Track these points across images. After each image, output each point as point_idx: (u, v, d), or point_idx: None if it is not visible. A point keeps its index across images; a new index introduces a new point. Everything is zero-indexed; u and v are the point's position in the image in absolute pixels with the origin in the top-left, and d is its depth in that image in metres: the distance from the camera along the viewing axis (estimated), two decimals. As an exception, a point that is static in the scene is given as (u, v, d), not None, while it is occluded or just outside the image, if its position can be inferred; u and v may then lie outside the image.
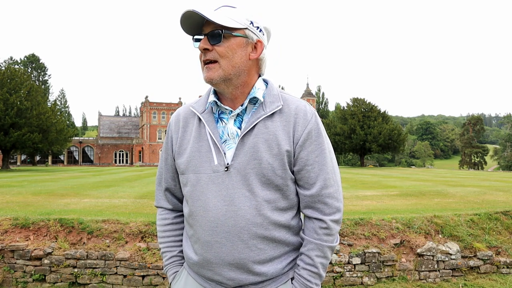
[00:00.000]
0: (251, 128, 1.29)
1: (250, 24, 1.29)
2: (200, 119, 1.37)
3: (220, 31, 1.26)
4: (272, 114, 1.30)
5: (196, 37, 1.31)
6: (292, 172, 1.32)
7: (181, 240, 1.48)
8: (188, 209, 1.35)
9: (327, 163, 1.33)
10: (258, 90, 1.34)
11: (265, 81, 1.40)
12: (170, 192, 1.50)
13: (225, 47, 1.27)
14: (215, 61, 1.28)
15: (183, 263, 1.47)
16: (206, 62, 1.29)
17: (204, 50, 1.28)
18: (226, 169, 1.28)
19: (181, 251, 1.48)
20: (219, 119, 1.35)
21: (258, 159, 1.27)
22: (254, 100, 1.33)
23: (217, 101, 1.34)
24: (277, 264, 1.31)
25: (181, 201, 1.50)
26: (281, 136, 1.29)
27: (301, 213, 1.42)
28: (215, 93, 1.37)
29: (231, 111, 1.33)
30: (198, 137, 1.34)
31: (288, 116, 1.31)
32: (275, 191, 1.29)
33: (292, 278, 1.34)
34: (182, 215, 1.50)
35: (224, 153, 1.30)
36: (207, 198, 1.29)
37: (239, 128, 1.32)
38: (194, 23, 1.28)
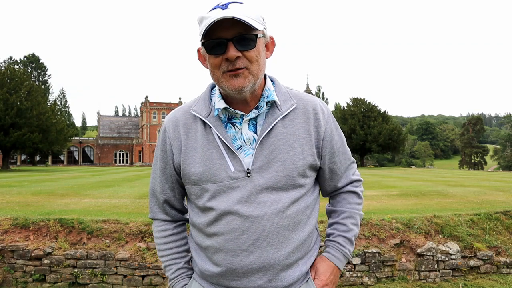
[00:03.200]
0: (269, 131, 1.23)
1: (263, 21, 1.20)
2: (204, 124, 1.27)
3: (254, 35, 1.15)
4: (288, 113, 1.27)
5: (217, 41, 1.14)
6: (313, 168, 1.31)
7: (185, 251, 1.40)
8: (206, 219, 1.26)
9: (347, 148, 1.43)
10: (272, 91, 1.27)
11: (271, 79, 1.34)
12: (169, 204, 1.39)
13: (255, 51, 1.17)
14: (243, 68, 1.17)
15: (190, 275, 1.37)
16: (233, 70, 1.16)
17: (236, 59, 1.14)
18: (248, 175, 1.21)
19: (187, 262, 1.39)
20: (229, 124, 1.26)
21: (281, 161, 1.23)
22: (267, 102, 1.26)
23: (228, 107, 1.24)
24: (302, 266, 1.29)
25: (179, 211, 1.42)
26: (302, 134, 1.26)
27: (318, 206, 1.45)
28: (222, 96, 1.27)
29: (242, 115, 1.25)
30: (207, 144, 1.25)
31: (306, 113, 1.29)
32: (299, 191, 1.26)
33: (323, 248, 1.38)
34: (183, 225, 1.43)
35: (242, 159, 1.23)
36: (229, 206, 1.22)
37: (255, 132, 1.25)
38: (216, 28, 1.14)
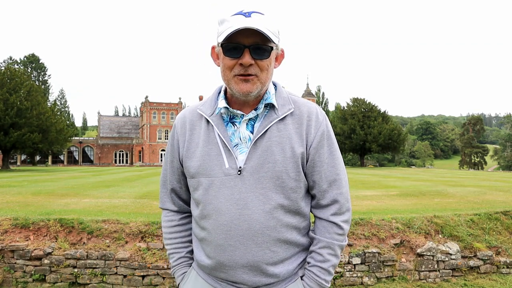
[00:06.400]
0: (264, 132, 1.29)
1: (278, 33, 1.28)
2: (208, 122, 1.35)
3: (269, 46, 1.24)
4: (284, 117, 1.32)
5: (235, 45, 1.22)
6: (305, 174, 1.34)
7: (188, 241, 1.48)
8: (200, 212, 1.34)
9: (339, 164, 1.38)
10: (272, 95, 1.34)
11: (274, 84, 1.40)
12: (175, 194, 1.48)
13: (267, 61, 1.26)
14: (254, 74, 1.25)
15: (191, 264, 1.47)
16: (244, 75, 1.25)
17: (249, 65, 1.23)
18: (239, 172, 1.28)
19: (189, 252, 1.48)
20: (230, 123, 1.34)
21: (272, 162, 1.27)
22: (266, 104, 1.33)
23: (228, 106, 1.32)
24: (289, 265, 1.33)
25: (186, 202, 1.50)
26: (295, 139, 1.30)
27: (309, 213, 1.44)
28: (225, 97, 1.36)
29: (243, 115, 1.33)
30: (207, 140, 1.33)
31: (301, 119, 1.33)
32: (288, 193, 1.30)
33: (302, 277, 1.37)
34: (188, 216, 1.50)
35: (236, 157, 1.29)
36: (219, 201, 1.29)
37: (252, 132, 1.32)
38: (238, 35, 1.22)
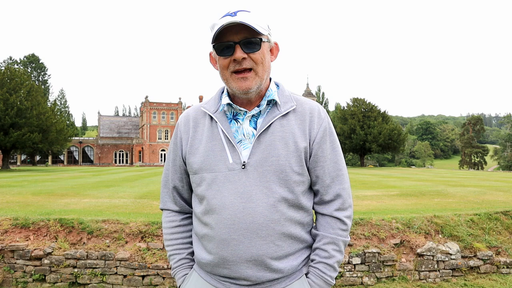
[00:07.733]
0: (267, 127, 1.32)
1: (268, 28, 1.33)
2: (212, 119, 1.38)
3: (258, 39, 1.28)
4: (287, 113, 1.35)
5: (226, 44, 1.27)
6: (308, 169, 1.36)
7: (189, 243, 1.47)
8: (203, 208, 1.35)
9: (341, 160, 1.41)
10: (274, 92, 1.38)
11: (276, 84, 1.44)
12: (177, 192, 1.48)
13: (260, 53, 1.29)
14: (250, 69, 1.29)
15: (192, 265, 1.46)
16: (240, 71, 1.28)
17: (242, 60, 1.27)
18: (243, 167, 1.29)
19: (190, 254, 1.46)
20: (233, 120, 1.37)
21: (276, 156, 1.30)
22: (269, 102, 1.37)
23: (232, 103, 1.35)
24: (293, 261, 1.33)
25: (187, 202, 1.50)
26: (298, 134, 1.33)
27: (312, 210, 1.45)
28: (228, 95, 1.38)
29: (246, 112, 1.35)
30: (211, 136, 1.35)
31: (303, 115, 1.36)
32: (291, 187, 1.31)
33: (306, 274, 1.37)
34: (189, 217, 1.50)
35: (240, 152, 1.31)
36: (223, 196, 1.30)
37: (255, 128, 1.35)
38: (225, 33, 1.27)
